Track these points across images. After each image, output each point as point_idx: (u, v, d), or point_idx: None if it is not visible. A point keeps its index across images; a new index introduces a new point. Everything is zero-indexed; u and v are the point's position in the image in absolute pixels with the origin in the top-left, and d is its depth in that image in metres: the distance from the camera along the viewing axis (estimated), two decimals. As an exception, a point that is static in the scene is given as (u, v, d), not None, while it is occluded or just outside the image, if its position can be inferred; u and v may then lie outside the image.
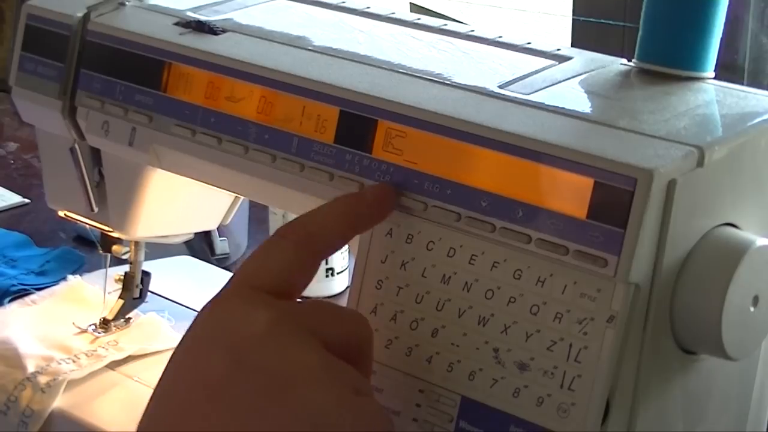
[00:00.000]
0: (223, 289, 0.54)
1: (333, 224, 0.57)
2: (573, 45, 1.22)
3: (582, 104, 0.63)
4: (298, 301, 0.54)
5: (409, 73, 0.67)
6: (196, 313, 0.53)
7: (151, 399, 0.52)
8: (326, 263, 1.09)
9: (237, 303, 0.52)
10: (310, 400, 0.48)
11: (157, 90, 0.74)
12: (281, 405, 0.48)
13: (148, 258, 0.93)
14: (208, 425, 0.48)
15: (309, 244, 0.55)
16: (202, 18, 0.76)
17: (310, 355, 0.50)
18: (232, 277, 0.54)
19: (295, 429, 0.48)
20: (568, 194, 0.56)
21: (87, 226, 0.89)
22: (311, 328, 0.51)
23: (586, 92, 0.65)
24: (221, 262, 1.15)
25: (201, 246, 1.13)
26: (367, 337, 0.55)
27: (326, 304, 0.55)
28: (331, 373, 0.50)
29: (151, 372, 0.88)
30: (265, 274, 0.54)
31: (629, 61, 0.68)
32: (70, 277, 1.01)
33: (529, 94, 0.63)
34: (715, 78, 0.66)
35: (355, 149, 0.64)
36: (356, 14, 0.78)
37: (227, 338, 0.50)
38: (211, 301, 0.53)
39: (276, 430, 0.48)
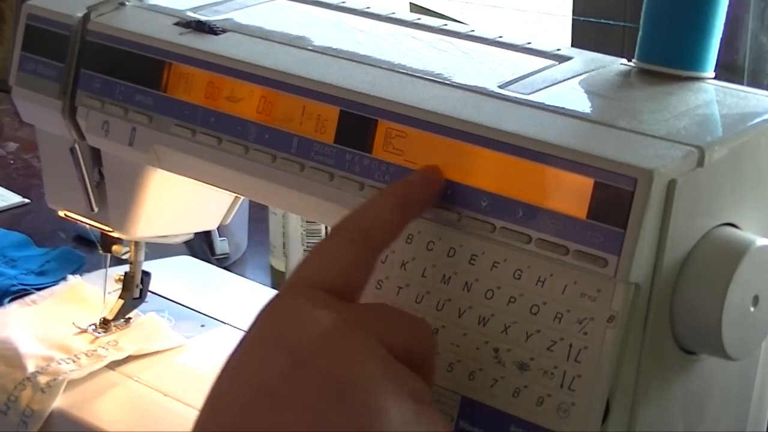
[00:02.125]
0: (281, 289, 0.52)
1: (387, 215, 0.56)
2: (573, 45, 1.22)
3: (582, 104, 0.63)
4: (364, 304, 0.53)
5: (409, 73, 0.67)
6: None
7: (208, 398, 0.50)
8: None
9: (299, 303, 0.50)
10: (370, 406, 0.47)
11: (157, 90, 0.74)
12: (340, 410, 0.47)
13: (148, 258, 0.93)
14: (265, 427, 0.47)
15: (366, 239, 0.54)
16: (202, 18, 0.76)
17: (373, 361, 0.48)
18: (290, 277, 0.53)
19: None
20: (569, 194, 0.56)
21: (87, 226, 0.89)
22: (376, 332, 0.50)
23: (586, 92, 0.65)
24: (221, 262, 1.15)
25: (201, 246, 1.13)
26: (431, 345, 0.53)
27: (392, 308, 0.53)
28: (393, 380, 0.48)
29: (151, 372, 0.88)
30: (326, 274, 0.52)
31: (629, 61, 0.68)
32: (70, 277, 1.00)
33: (529, 94, 0.63)
34: (715, 78, 0.66)
35: (355, 149, 0.64)
36: (356, 14, 0.78)
37: (289, 339, 0.49)
38: (270, 301, 0.51)
39: None
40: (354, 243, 0.53)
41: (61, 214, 0.90)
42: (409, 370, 0.50)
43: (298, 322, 0.49)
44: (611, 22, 1.21)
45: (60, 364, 0.86)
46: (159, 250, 0.98)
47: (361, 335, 0.49)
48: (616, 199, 0.54)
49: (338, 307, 0.50)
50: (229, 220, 0.92)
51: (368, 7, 0.78)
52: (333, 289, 0.51)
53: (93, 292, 0.97)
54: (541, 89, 0.64)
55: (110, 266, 0.94)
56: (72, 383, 0.85)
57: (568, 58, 0.69)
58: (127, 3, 0.80)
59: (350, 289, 0.53)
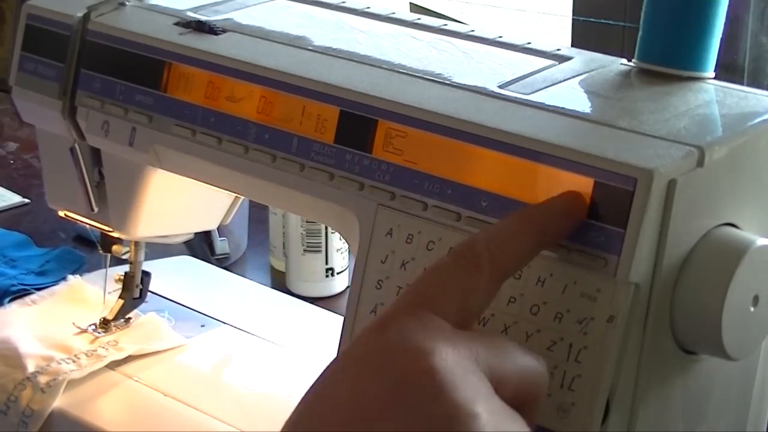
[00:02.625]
0: (391, 308, 0.49)
1: (519, 244, 0.52)
2: (573, 45, 1.22)
3: (582, 104, 0.63)
4: (482, 336, 0.49)
5: (409, 73, 0.67)
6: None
7: (296, 413, 0.47)
8: (326, 263, 1.09)
9: (411, 328, 0.47)
10: None
11: (157, 90, 0.74)
12: None
13: (148, 258, 0.93)
14: None
15: (494, 269, 0.50)
16: (202, 18, 0.76)
17: (478, 402, 0.45)
18: (406, 294, 0.49)
19: None
20: (568, 194, 0.56)
21: (87, 226, 0.89)
22: (490, 368, 0.47)
23: (586, 92, 0.65)
24: (221, 262, 1.15)
25: (201, 246, 1.13)
26: (545, 387, 0.50)
27: (510, 343, 0.50)
28: (496, 423, 0.45)
29: (151, 372, 0.88)
30: (445, 300, 0.49)
31: (629, 61, 0.68)
32: (70, 277, 1.00)
33: (529, 94, 0.63)
34: (715, 78, 0.65)
35: (355, 149, 0.64)
36: (356, 14, 0.78)
37: (395, 366, 0.46)
38: (381, 319, 0.48)
39: None
40: (480, 272, 0.50)
41: (61, 214, 0.90)
42: (514, 413, 0.47)
43: (408, 349, 0.46)
44: (611, 22, 1.21)
45: (60, 364, 0.86)
46: (159, 250, 0.98)
47: (472, 371, 0.46)
48: (616, 199, 0.54)
49: (454, 339, 0.47)
50: (229, 220, 0.92)
51: (368, 7, 0.78)
52: (450, 318, 0.48)
53: (93, 292, 0.97)
54: (541, 89, 0.64)
55: (110, 266, 0.94)
56: (72, 383, 0.85)
57: (568, 58, 0.68)
58: (127, 3, 0.80)
59: (468, 319, 0.49)
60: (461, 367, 0.46)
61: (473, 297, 0.50)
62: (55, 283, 1.01)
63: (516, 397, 0.48)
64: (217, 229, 1.06)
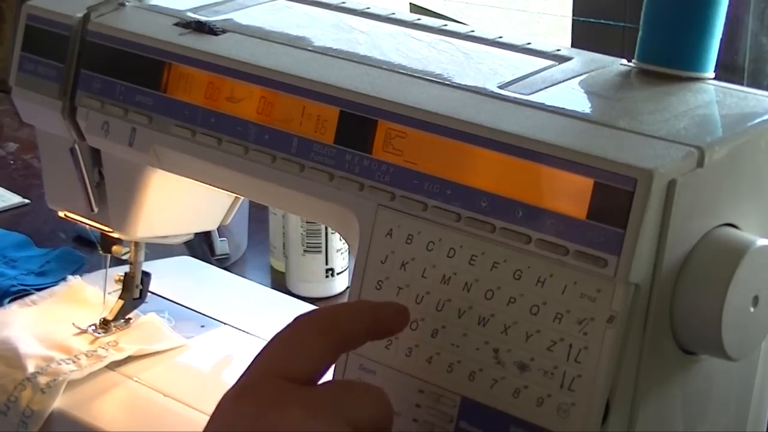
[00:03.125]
0: (247, 376, 0.53)
1: (359, 319, 0.56)
2: (573, 45, 1.22)
3: (582, 104, 0.63)
4: (327, 388, 0.53)
5: (409, 73, 0.67)
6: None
7: None
8: (326, 263, 1.09)
9: (267, 396, 0.51)
10: None
11: (157, 90, 0.74)
12: None
13: (148, 258, 0.93)
14: None
15: (333, 335, 0.54)
16: (202, 18, 0.76)
17: None
18: (256, 364, 0.53)
19: None
20: (568, 194, 0.56)
21: (87, 226, 0.89)
22: (343, 414, 0.51)
23: (586, 93, 0.65)
24: (221, 263, 1.15)
25: (201, 246, 1.13)
26: (390, 415, 0.54)
27: (350, 384, 0.55)
28: None
29: (151, 372, 0.88)
30: (293, 364, 0.53)
31: (629, 61, 0.68)
32: (70, 277, 1.00)
33: (529, 94, 0.63)
34: (715, 78, 0.66)
35: (355, 149, 0.64)
36: (356, 14, 0.78)
37: None
38: (236, 390, 0.52)
39: None
40: (323, 335, 0.54)
41: (61, 214, 0.90)
42: None
43: (269, 416, 0.50)
44: (611, 22, 1.21)
45: (60, 364, 0.86)
46: (159, 250, 0.98)
47: (331, 422, 0.50)
48: (616, 199, 0.54)
49: (306, 398, 0.51)
50: (229, 220, 0.92)
51: (368, 8, 0.78)
52: (299, 379, 0.52)
53: (93, 292, 0.97)
54: (540, 90, 0.64)
55: (110, 267, 0.94)
56: (72, 383, 0.85)
57: (568, 59, 0.69)
58: (127, 3, 0.80)
59: (315, 378, 0.54)
60: (321, 422, 0.50)
61: (319, 360, 0.53)
62: (55, 283, 1.01)
63: (372, 428, 0.52)
64: (217, 229, 1.06)
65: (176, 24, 0.76)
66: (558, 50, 0.70)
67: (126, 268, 0.93)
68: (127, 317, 0.93)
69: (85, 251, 1.17)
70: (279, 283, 1.13)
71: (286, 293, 1.07)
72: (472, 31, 0.74)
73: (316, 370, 0.53)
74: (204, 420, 0.53)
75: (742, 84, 0.68)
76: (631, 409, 0.56)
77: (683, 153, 0.56)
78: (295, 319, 0.55)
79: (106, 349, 0.89)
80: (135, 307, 0.93)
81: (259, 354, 0.54)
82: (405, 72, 0.67)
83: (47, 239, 1.22)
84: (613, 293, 0.54)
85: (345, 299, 0.64)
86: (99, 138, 0.78)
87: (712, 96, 0.64)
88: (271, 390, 0.51)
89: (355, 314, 0.56)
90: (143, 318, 0.93)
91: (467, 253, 0.59)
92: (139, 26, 0.76)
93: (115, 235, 0.87)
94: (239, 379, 0.53)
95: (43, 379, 0.84)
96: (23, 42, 0.81)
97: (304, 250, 1.09)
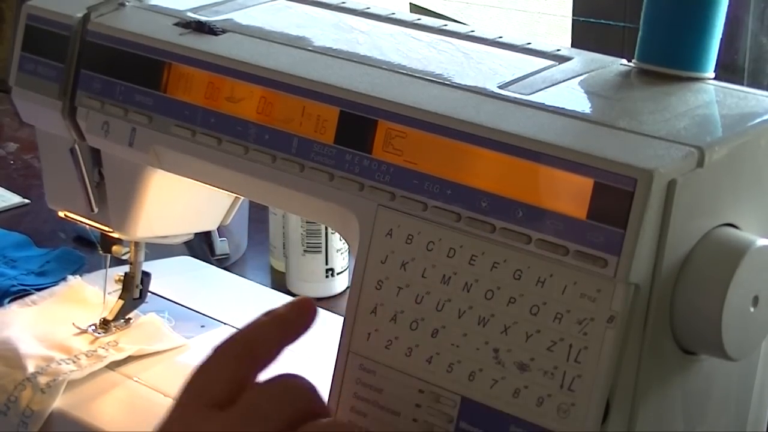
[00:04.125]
0: (174, 408, 0.57)
1: (268, 334, 0.60)
2: (573, 45, 1.22)
3: (582, 105, 0.63)
4: (245, 404, 0.56)
5: (409, 73, 0.67)
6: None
7: None
8: (326, 263, 1.09)
9: (194, 425, 0.56)
10: None
11: (157, 90, 0.74)
12: None
13: (148, 258, 0.93)
14: None
15: (249, 357, 0.59)
16: (202, 18, 0.76)
17: None
18: (182, 395, 0.58)
19: None
20: (568, 194, 0.56)
21: (87, 226, 0.89)
22: (266, 418, 0.55)
23: (586, 93, 0.65)
24: (221, 263, 1.15)
25: (201, 246, 1.13)
26: (307, 388, 0.58)
27: (264, 392, 0.57)
28: None
29: (151, 372, 0.87)
30: (214, 391, 0.57)
31: (629, 61, 0.68)
32: (70, 277, 1.00)
33: (529, 94, 0.63)
34: (715, 78, 0.66)
35: (355, 149, 0.64)
36: (356, 14, 0.78)
37: None
38: (165, 423, 0.57)
39: None
40: (238, 359, 0.58)
41: (61, 214, 0.90)
42: None
43: None
44: (611, 22, 1.21)
45: (60, 364, 0.86)
46: (159, 250, 0.98)
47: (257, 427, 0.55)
48: (616, 199, 0.54)
49: (224, 419, 0.55)
50: (229, 220, 0.92)
51: (368, 8, 0.78)
52: (221, 404, 0.56)
53: (93, 292, 0.97)
54: (540, 90, 0.64)
55: (110, 267, 0.94)
56: (72, 383, 0.85)
57: (568, 59, 0.69)
58: (127, 3, 0.80)
59: (232, 397, 0.57)
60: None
61: (236, 382, 0.57)
62: (55, 283, 1.01)
63: (300, 414, 0.56)
64: (217, 229, 1.06)
65: (176, 24, 0.76)
66: (558, 50, 0.70)
67: (126, 268, 0.93)
68: (127, 317, 0.93)
69: (85, 251, 1.17)
70: (279, 283, 1.13)
71: (286, 293, 1.07)
72: (472, 31, 0.74)
73: (238, 392, 0.57)
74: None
75: (742, 84, 0.68)
76: (631, 409, 0.56)
77: (683, 153, 0.56)
78: (213, 348, 0.59)
79: (106, 349, 0.89)
80: (135, 307, 0.93)
81: (184, 386, 0.58)
82: (405, 72, 0.67)
83: (47, 239, 1.22)
84: (613, 293, 0.54)
85: (345, 299, 0.63)
86: (99, 138, 0.78)
87: (712, 96, 0.64)
88: (198, 419, 0.56)
89: (263, 331, 0.60)
90: (143, 318, 0.93)
91: (467, 253, 0.59)
92: (139, 26, 0.76)
93: (115, 235, 0.87)
94: (168, 411, 0.57)
95: (43, 379, 0.84)
96: (23, 42, 0.81)
97: (304, 250, 1.09)
